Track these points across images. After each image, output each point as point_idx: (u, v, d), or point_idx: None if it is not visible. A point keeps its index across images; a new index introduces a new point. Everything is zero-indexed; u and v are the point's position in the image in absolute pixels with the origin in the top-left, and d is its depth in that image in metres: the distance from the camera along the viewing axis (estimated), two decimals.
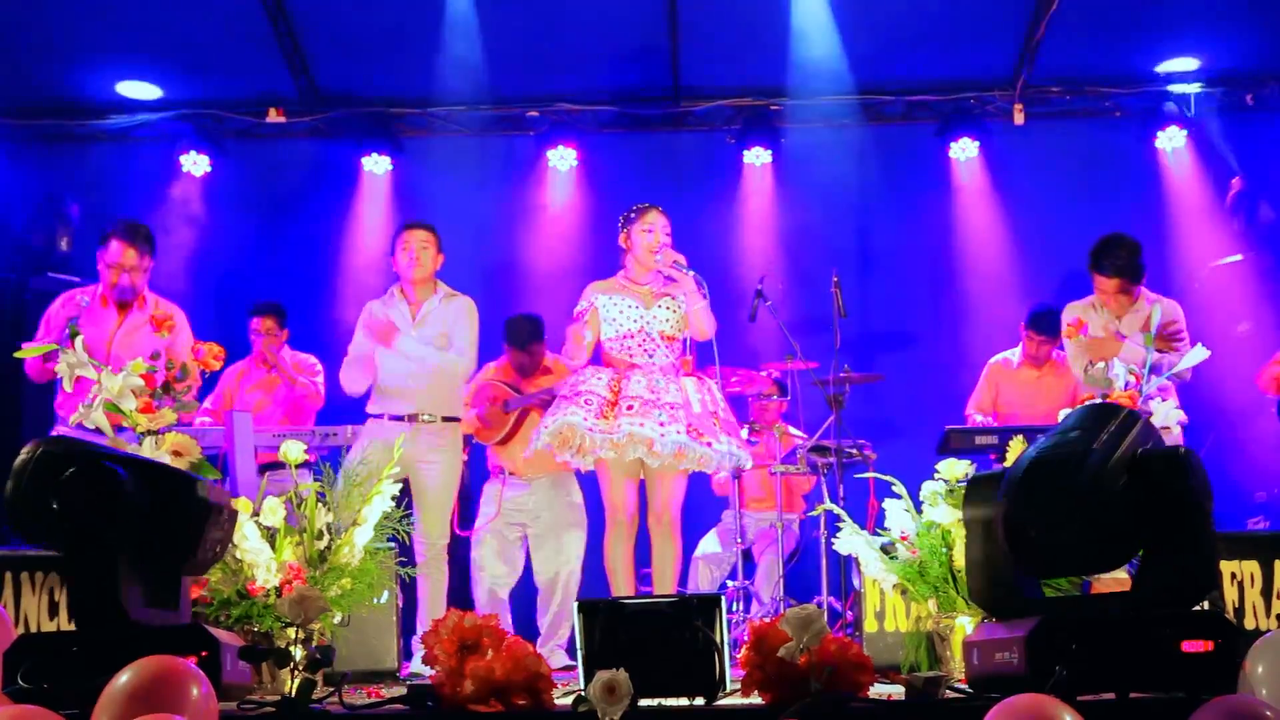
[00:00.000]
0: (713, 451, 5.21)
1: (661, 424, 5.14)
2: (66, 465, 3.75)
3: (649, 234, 5.50)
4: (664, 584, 5.35)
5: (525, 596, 6.79)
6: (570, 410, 5.21)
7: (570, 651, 6.49)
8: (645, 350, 5.44)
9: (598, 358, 5.56)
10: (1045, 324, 6.91)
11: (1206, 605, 4.81)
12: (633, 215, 5.58)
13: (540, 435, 5.29)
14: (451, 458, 5.91)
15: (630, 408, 5.18)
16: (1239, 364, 6.84)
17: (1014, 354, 7.07)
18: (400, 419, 5.81)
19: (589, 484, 5.58)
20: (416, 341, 5.86)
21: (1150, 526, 3.48)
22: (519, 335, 6.81)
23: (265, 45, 7.87)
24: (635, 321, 5.46)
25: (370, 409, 5.96)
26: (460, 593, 6.63)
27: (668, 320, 5.48)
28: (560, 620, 6.48)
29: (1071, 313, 5.95)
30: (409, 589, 5.83)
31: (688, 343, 5.58)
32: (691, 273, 5.43)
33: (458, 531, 6.34)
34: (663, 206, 5.65)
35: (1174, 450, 3.53)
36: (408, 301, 6.00)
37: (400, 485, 4.93)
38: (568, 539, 6.57)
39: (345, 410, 6.41)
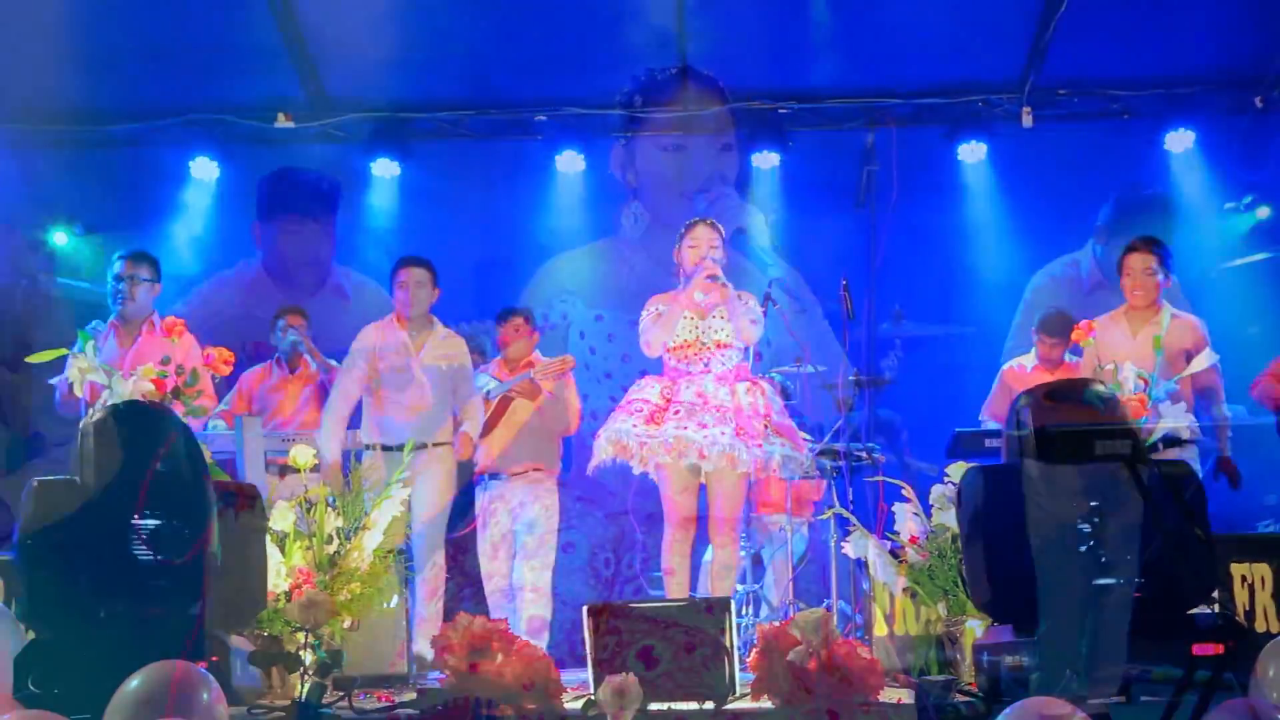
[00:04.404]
0: (762, 454, 5.28)
1: (704, 425, 5.24)
2: None
3: (693, 249, 5.62)
4: (724, 587, 5.45)
5: None
6: (621, 419, 5.39)
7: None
8: (701, 359, 5.52)
9: (659, 366, 5.67)
10: (1056, 326, 6.91)
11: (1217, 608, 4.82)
12: (682, 231, 5.70)
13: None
14: (437, 478, 5.90)
15: (677, 412, 5.33)
16: (1251, 366, 6.80)
17: (1028, 359, 7.06)
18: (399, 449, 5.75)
19: (604, 488, 5.59)
20: (422, 370, 5.92)
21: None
22: (504, 313, 6.89)
23: (274, 50, 7.87)
24: (691, 332, 5.56)
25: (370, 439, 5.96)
26: (474, 596, 6.65)
27: (722, 329, 5.57)
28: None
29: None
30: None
31: (750, 350, 5.71)
32: (737, 291, 5.53)
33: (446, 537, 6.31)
34: (671, 211, 5.68)
35: None
36: (406, 332, 6.09)
37: (409, 490, 4.95)
38: (534, 542, 6.55)
39: None
